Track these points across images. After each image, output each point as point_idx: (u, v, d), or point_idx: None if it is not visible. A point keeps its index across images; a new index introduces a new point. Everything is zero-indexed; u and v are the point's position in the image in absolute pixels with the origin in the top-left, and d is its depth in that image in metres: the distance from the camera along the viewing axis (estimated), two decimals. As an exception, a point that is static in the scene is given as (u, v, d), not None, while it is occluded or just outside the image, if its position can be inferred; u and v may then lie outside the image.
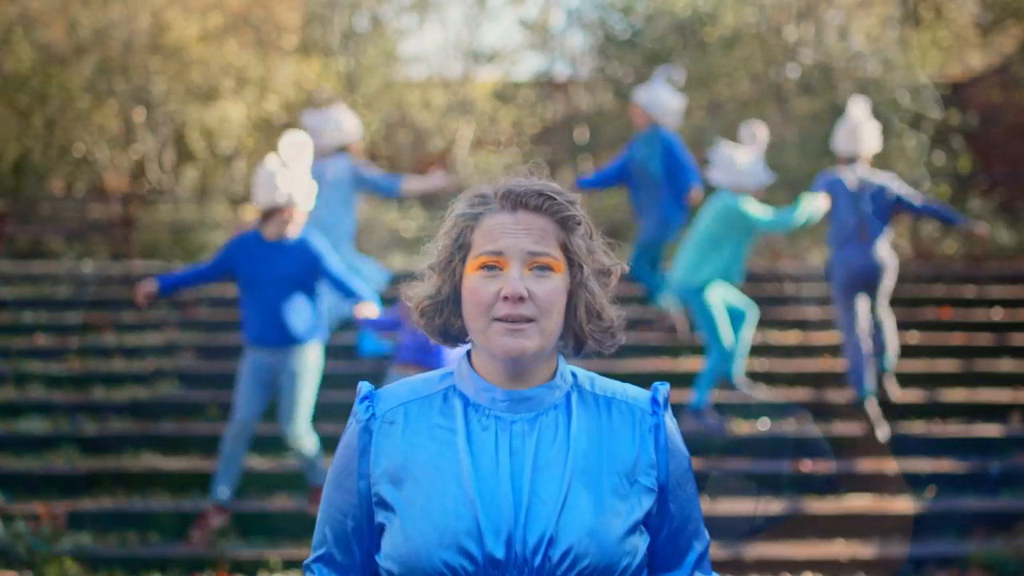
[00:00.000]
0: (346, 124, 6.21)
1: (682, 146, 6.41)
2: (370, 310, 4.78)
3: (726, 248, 5.66)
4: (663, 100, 6.30)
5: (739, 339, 5.87)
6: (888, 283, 5.88)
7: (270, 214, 4.73)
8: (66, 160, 11.64)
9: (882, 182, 5.91)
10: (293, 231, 4.78)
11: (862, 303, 5.87)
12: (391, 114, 13.30)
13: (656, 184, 6.22)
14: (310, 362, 4.83)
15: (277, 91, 12.00)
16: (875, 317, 5.93)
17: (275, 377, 4.84)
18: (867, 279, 5.80)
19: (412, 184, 6.34)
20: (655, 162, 6.18)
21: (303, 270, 4.76)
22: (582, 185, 6.59)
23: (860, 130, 5.94)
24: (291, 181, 4.70)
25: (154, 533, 5.07)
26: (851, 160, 5.97)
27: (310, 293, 4.81)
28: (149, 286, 4.76)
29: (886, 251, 5.86)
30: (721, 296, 5.77)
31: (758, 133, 5.94)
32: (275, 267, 4.72)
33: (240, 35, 11.90)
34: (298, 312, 4.76)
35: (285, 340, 4.75)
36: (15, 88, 11.09)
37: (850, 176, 5.89)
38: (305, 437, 4.88)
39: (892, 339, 5.94)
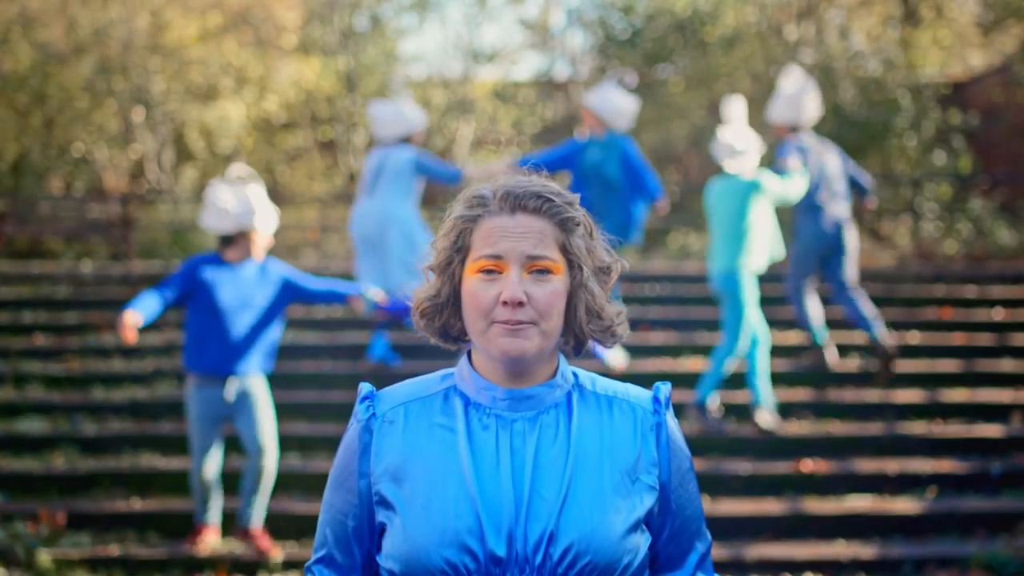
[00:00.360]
0: (411, 115, 6.38)
1: (638, 151, 6.39)
2: (378, 295, 4.61)
3: (761, 227, 5.57)
4: (614, 103, 6.17)
5: (755, 362, 5.65)
6: (852, 254, 6.06)
7: (235, 238, 4.56)
8: (65, 160, 11.63)
9: (834, 148, 6.13)
10: (258, 254, 4.61)
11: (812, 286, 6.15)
12: (391, 114, 13.21)
13: (615, 188, 6.18)
14: (264, 389, 4.66)
15: (276, 91, 12.00)
16: (845, 290, 6.03)
17: (229, 410, 4.60)
18: (834, 244, 5.97)
19: (473, 171, 6.46)
20: (612, 166, 6.11)
21: (270, 294, 4.58)
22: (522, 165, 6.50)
23: (803, 99, 6.03)
24: (255, 203, 4.55)
25: (153, 533, 5.05)
26: (793, 130, 6.06)
27: (273, 319, 4.61)
28: (134, 318, 4.32)
29: (849, 216, 6.07)
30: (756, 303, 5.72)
31: (735, 108, 5.87)
32: (240, 292, 4.53)
33: (239, 34, 11.89)
34: (262, 339, 4.58)
35: (247, 369, 4.54)
36: (14, 87, 11.08)
37: (812, 143, 6.01)
38: (274, 467, 4.71)
39: (870, 308, 6.00)
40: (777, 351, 6.71)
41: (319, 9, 12.97)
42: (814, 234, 5.99)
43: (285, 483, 5.34)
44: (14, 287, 8.04)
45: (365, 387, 1.51)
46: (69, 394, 6.36)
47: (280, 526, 5.04)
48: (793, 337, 6.91)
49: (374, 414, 1.48)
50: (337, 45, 13.01)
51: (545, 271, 1.42)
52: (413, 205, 6.27)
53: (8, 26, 11.02)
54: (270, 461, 4.68)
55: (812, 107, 6.07)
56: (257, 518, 4.78)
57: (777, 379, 6.35)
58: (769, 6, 11.69)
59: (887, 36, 11.41)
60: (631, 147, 6.18)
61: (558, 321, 1.44)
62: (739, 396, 6.09)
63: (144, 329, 7.19)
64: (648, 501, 1.46)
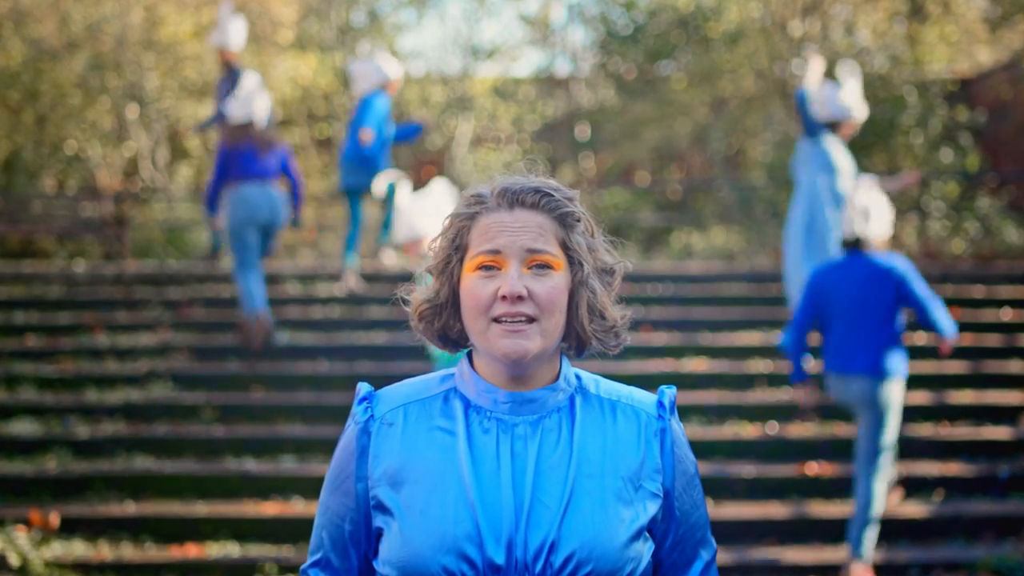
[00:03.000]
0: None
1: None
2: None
3: None
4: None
5: None
6: None
7: None
8: (58, 158, 11.54)
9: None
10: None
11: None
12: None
13: None
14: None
15: (273, 87, 11.89)
16: None
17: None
18: None
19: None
20: None
21: None
22: None
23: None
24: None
25: (148, 537, 4.99)
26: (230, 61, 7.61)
27: None
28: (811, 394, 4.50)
29: None
30: None
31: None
32: None
33: (235, 30, 11.77)
34: None
35: None
36: (6, 84, 11.00)
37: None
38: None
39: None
40: (777, 352, 6.62)
41: (316, 5, 12.89)
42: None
43: (281, 486, 5.28)
44: (6, 287, 7.95)
45: (363, 387, 1.49)
46: (62, 396, 6.29)
47: (275, 530, 4.97)
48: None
49: (372, 416, 1.45)
50: (334, 41, 12.93)
51: (545, 266, 1.40)
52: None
53: (0, 22, 10.92)
54: None
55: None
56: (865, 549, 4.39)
57: (782, 380, 6.27)
58: (773, 1, 11.59)
59: (893, 32, 11.32)
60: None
61: (559, 319, 1.41)
62: (746, 398, 6.01)
63: (137, 330, 7.11)
64: (651, 508, 1.43)
